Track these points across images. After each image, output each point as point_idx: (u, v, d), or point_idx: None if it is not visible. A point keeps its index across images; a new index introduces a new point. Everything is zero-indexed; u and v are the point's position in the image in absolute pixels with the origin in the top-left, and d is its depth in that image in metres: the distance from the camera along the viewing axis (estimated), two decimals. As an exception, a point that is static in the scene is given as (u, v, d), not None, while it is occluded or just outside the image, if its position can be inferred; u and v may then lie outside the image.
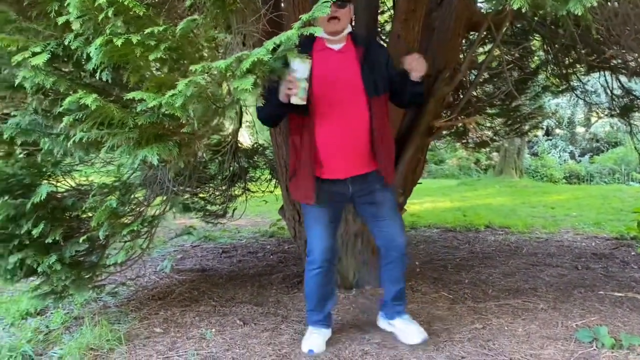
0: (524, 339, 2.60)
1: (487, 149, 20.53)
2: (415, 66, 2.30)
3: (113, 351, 2.53)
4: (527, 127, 6.48)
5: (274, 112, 2.31)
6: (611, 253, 5.03)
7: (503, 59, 4.57)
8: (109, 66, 1.47)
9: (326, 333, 2.57)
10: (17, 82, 1.47)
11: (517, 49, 5.70)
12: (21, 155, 2.34)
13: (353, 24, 2.59)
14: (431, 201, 10.16)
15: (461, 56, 4.03)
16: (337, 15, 2.25)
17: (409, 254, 4.69)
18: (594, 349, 2.44)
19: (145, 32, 1.32)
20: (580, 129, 26.01)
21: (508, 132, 6.43)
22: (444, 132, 6.22)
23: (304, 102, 2.16)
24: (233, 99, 1.57)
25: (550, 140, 24.79)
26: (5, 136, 1.80)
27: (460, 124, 4.05)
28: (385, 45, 2.61)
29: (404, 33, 3.12)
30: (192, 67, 1.34)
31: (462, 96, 5.82)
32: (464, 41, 4.13)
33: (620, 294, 3.43)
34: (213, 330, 2.77)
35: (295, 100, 2.14)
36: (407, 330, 2.54)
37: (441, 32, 3.49)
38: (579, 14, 1.24)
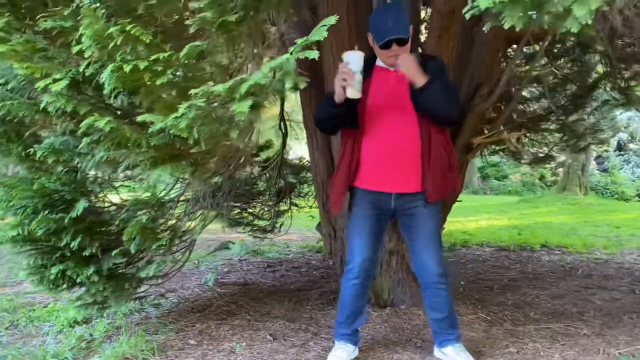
0: (559, 365, 2.49)
1: (552, 165, 19.79)
2: (401, 65, 2.23)
3: (146, 361, 2.63)
4: (584, 144, 6.19)
5: (330, 114, 2.36)
6: (675, 277, 4.72)
7: (555, 73, 4.43)
8: (124, 90, 1.56)
9: (352, 349, 2.56)
10: (41, 106, 1.60)
11: (573, 63, 5.52)
12: (63, 173, 2.49)
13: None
14: (487, 218, 9.89)
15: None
16: (398, 53, 2.28)
17: (453, 279, 4.60)
18: (634, 380, 2.30)
19: (151, 59, 1.41)
20: (657, 144, 24.59)
21: (564, 148, 6.19)
22: (496, 148, 6.08)
23: (360, 95, 2.19)
24: (247, 120, 1.61)
25: (622, 155, 23.57)
26: (38, 155, 1.95)
27: (502, 140, 3.93)
28: (440, 59, 2.54)
29: (439, 50, 3.09)
30: (193, 91, 1.41)
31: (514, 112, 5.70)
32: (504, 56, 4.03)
33: (675, 321, 3.21)
34: (243, 344, 2.82)
35: (351, 93, 2.15)
36: (457, 358, 2.46)
37: (480, 47, 3.43)
38: (575, 30, 1.21)
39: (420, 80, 2.22)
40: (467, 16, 1.37)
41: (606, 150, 24.21)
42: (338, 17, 3.12)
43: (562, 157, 14.88)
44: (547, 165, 20.09)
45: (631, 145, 24.53)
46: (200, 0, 1.45)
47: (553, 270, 5.04)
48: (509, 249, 6.45)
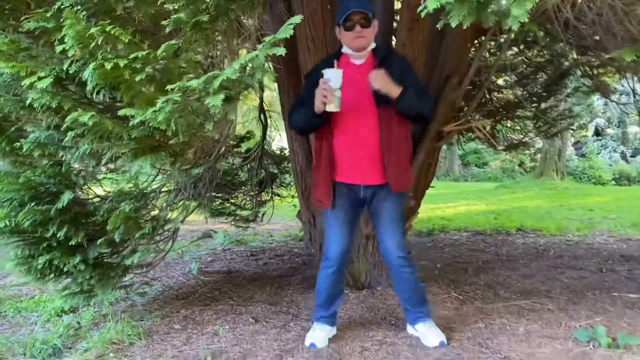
0: (523, 338, 2.66)
1: (531, 151, 20.12)
2: (373, 82, 2.35)
3: (133, 345, 2.74)
4: (556, 129, 6.39)
5: (310, 122, 2.51)
6: (640, 255, 4.94)
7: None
8: (105, 86, 1.66)
9: (329, 330, 2.70)
10: (27, 102, 1.69)
11: (544, 52, 5.68)
12: (48, 165, 2.58)
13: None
14: (466, 204, 10.10)
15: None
16: (362, 35, 2.41)
17: (429, 263, 4.77)
18: (591, 348, 2.47)
19: (131, 57, 1.51)
20: (633, 129, 25.08)
21: (537, 134, 6.38)
22: (472, 136, 6.25)
23: (339, 109, 2.35)
24: (222, 112, 1.73)
25: (600, 140, 24.02)
26: (24, 149, 2.04)
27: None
28: (404, 57, 2.67)
29: (409, 41, 3.23)
30: (170, 86, 1.51)
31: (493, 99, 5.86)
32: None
33: (635, 296, 3.41)
34: (226, 327, 2.95)
35: (330, 108, 2.33)
36: (427, 334, 2.61)
37: (450, 38, 3.57)
38: (515, 28, 1.35)
39: (394, 91, 2.35)
40: (422, 15, 1.50)
41: (584, 136, 24.66)
42: (313, 9, 3.26)
43: (539, 144, 15.18)
44: (525, 152, 20.44)
45: (608, 131, 25.00)
46: (175, 2, 1.56)
47: (526, 252, 5.24)
48: (485, 233, 6.65)
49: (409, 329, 2.75)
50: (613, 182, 18.50)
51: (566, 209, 8.96)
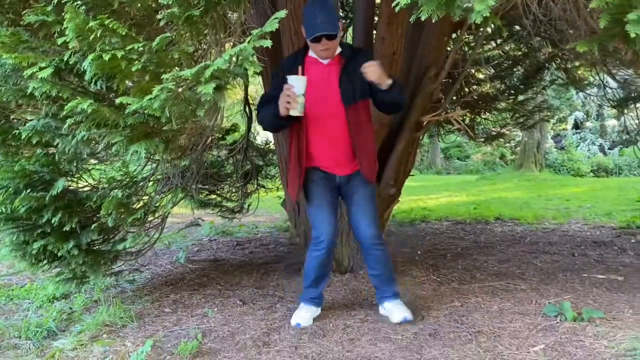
0: (496, 314, 2.83)
1: (512, 144, 20.43)
2: (369, 74, 2.44)
3: (125, 327, 2.86)
4: (533, 121, 6.60)
5: (275, 123, 2.65)
6: (612, 241, 5.15)
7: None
8: (102, 76, 1.78)
9: (315, 311, 2.85)
10: (28, 91, 1.80)
11: (521, 46, 5.87)
12: (42, 154, 2.68)
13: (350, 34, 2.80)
14: (447, 196, 10.31)
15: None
16: (328, 47, 2.51)
17: (410, 250, 4.94)
18: (558, 322, 2.65)
19: (127, 48, 1.63)
20: (611, 122, 25.56)
21: (515, 126, 6.59)
22: (452, 128, 6.43)
23: (302, 114, 2.49)
24: (211, 101, 1.85)
25: (579, 133, 24.46)
26: (23, 136, 2.15)
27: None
28: (369, 50, 2.80)
29: (388, 36, 3.37)
30: (164, 76, 1.63)
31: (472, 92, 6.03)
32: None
33: (602, 276, 3.60)
34: (215, 309, 3.08)
35: (294, 113, 2.46)
36: (393, 310, 2.77)
37: (428, 32, 3.72)
38: (478, 21, 1.49)
39: (387, 82, 2.47)
40: (397, 9, 1.64)
41: (564, 129, 25.11)
42: (297, 3, 3.38)
43: (518, 136, 15.47)
44: (506, 145, 20.80)
45: (587, 124, 25.46)
46: (168, -2, 1.68)
47: (503, 240, 5.43)
48: (465, 223, 6.84)
49: (380, 309, 2.89)
50: (591, 174, 18.92)
51: (544, 199, 9.21)
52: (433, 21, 1.71)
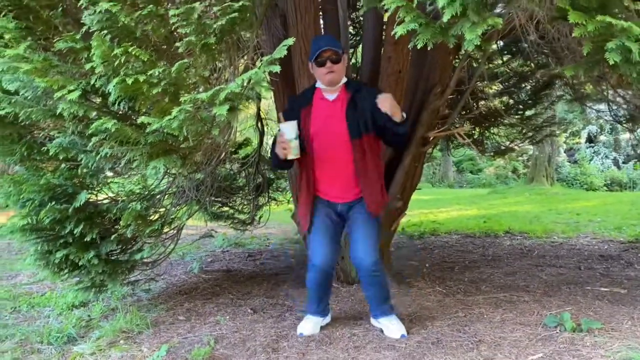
0: (498, 324, 2.92)
1: (525, 157, 20.40)
2: (386, 107, 2.53)
3: (141, 333, 2.99)
4: (541, 136, 6.68)
5: (280, 164, 2.78)
6: (619, 255, 5.21)
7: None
8: (125, 98, 1.93)
9: (319, 320, 2.95)
10: (58, 111, 1.96)
11: (529, 62, 5.98)
12: (66, 169, 2.85)
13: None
14: (458, 209, 10.37)
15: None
16: (333, 70, 2.64)
17: (415, 262, 5.03)
18: (557, 332, 2.74)
19: (149, 73, 1.78)
20: (626, 135, 25.41)
21: (522, 141, 6.68)
22: (463, 142, 6.53)
23: (299, 156, 2.64)
24: (226, 120, 2.00)
25: (592, 147, 24.35)
26: (50, 153, 2.31)
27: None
28: (374, 88, 2.93)
29: (394, 55, 3.51)
30: (182, 98, 1.78)
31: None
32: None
33: (605, 289, 3.68)
34: (227, 317, 3.20)
35: (290, 157, 2.62)
36: (390, 326, 2.83)
37: (433, 51, 3.85)
38: (470, 49, 1.62)
39: (400, 115, 2.57)
40: (396, 37, 1.77)
41: (577, 143, 25.02)
42: (307, 25, 3.54)
43: (530, 150, 15.49)
44: (518, 158, 20.80)
45: (601, 137, 25.35)
46: (186, 27, 1.82)
47: (511, 253, 5.50)
48: (474, 236, 6.91)
49: (373, 321, 2.98)
50: (605, 188, 18.83)
51: (554, 213, 9.24)
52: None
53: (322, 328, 2.93)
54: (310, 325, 2.90)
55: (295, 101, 2.88)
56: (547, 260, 5.02)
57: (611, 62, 1.52)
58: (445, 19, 1.53)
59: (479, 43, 1.56)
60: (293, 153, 2.59)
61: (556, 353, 2.47)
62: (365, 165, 2.71)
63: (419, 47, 1.67)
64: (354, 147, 2.68)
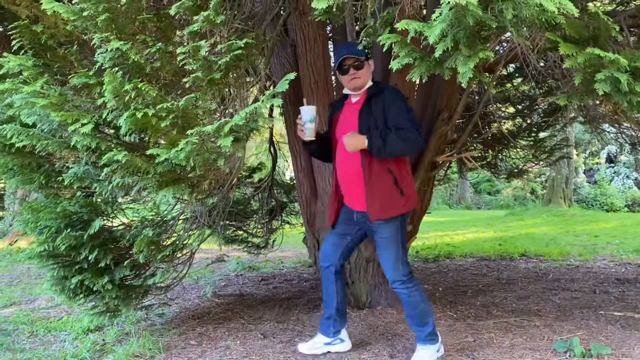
0: (507, 350, 2.91)
1: (543, 179, 20.20)
2: (346, 147, 2.64)
3: (154, 358, 3.04)
4: (554, 158, 6.66)
5: (308, 149, 2.95)
6: (635, 278, 5.15)
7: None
8: (136, 130, 2.02)
9: (319, 339, 2.99)
10: (72, 143, 2.05)
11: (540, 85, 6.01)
12: (81, 196, 2.95)
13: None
14: (474, 231, 10.31)
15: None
16: (357, 76, 2.72)
17: (428, 286, 5.02)
18: (566, 358, 2.72)
19: (157, 107, 1.87)
20: (646, 155, 25.02)
21: (536, 162, 6.67)
22: (472, 165, 6.55)
23: (313, 138, 2.77)
24: (232, 151, 2.07)
25: (612, 167, 24.02)
26: (66, 182, 2.41)
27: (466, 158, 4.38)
28: (392, 88, 2.91)
29: (400, 82, 3.58)
30: (189, 131, 1.86)
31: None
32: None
33: (619, 314, 3.64)
34: (237, 342, 3.24)
35: (306, 138, 2.78)
36: (415, 354, 2.77)
37: (440, 77, 3.90)
38: (464, 82, 1.68)
39: (363, 143, 2.59)
40: (394, 69, 1.84)
41: (597, 163, 24.71)
42: (315, 55, 3.62)
43: (548, 171, 15.37)
44: (536, 179, 20.60)
45: (621, 157, 25.00)
46: (193, 64, 1.92)
47: (526, 276, 5.46)
48: (489, 259, 6.88)
49: None
50: (626, 209, 18.52)
51: (572, 235, 9.13)
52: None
53: (330, 353, 2.95)
54: (309, 344, 2.99)
55: (331, 107, 3.04)
56: (562, 283, 4.98)
57: (601, 93, 1.56)
58: (437, 54, 1.59)
59: (472, 75, 1.62)
60: (307, 134, 2.75)
61: (564, 379, 2.46)
62: (371, 172, 2.69)
63: (414, 80, 1.73)
64: (363, 151, 2.68)
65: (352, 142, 2.61)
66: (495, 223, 12.10)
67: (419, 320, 2.79)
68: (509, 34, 2.18)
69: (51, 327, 3.87)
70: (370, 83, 2.81)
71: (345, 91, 2.87)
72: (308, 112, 2.73)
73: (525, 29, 1.63)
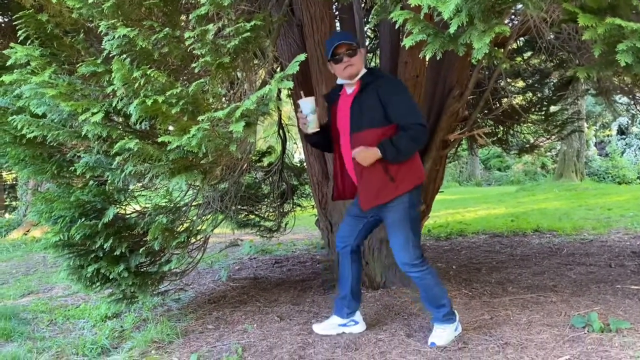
0: (524, 326, 2.90)
1: (553, 153, 20.05)
2: (359, 161, 2.62)
3: (172, 343, 3.07)
4: (566, 132, 6.57)
5: (310, 140, 2.95)
6: (651, 250, 5.10)
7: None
8: (146, 118, 2.00)
9: (335, 321, 3.01)
10: (83, 133, 2.04)
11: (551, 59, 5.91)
12: (94, 185, 2.95)
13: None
14: (486, 208, 10.27)
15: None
16: (351, 63, 2.67)
17: (442, 264, 5.02)
18: (585, 333, 2.71)
19: (167, 94, 1.84)
20: (659, 125, 24.72)
21: (548, 137, 6.58)
22: (487, 140, 6.49)
23: (316, 129, 2.77)
24: (243, 136, 2.05)
25: (624, 139, 23.76)
26: (78, 172, 2.40)
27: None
28: (389, 76, 2.89)
29: (411, 60, 3.52)
30: (200, 117, 1.84)
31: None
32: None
33: (636, 287, 3.61)
34: (254, 325, 3.26)
35: (308, 130, 2.78)
36: (431, 333, 2.78)
37: (450, 54, 3.84)
38: (479, 58, 1.64)
39: (377, 155, 2.58)
40: (407, 47, 1.80)
41: (608, 135, 24.45)
42: (323, 34, 3.58)
43: (559, 145, 15.23)
44: (547, 154, 20.44)
45: (633, 129, 24.71)
46: (202, 48, 1.89)
47: (540, 252, 5.44)
48: (502, 235, 6.85)
49: None
50: (638, 180, 18.37)
51: (584, 209, 9.07)
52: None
53: (347, 334, 2.96)
54: (323, 325, 3.02)
55: (326, 98, 3.00)
56: (577, 258, 4.95)
57: (622, 64, 1.52)
58: (452, 30, 1.55)
59: (488, 51, 1.58)
60: (311, 127, 2.74)
61: (584, 354, 2.45)
62: (362, 166, 2.66)
63: (428, 57, 1.69)
64: (353, 140, 2.68)
65: (366, 157, 2.60)
66: (506, 199, 12.04)
67: (434, 302, 2.79)
68: (520, 5, 2.14)
69: (69, 315, 3.91)
70: (364, 70, 2.75)
71: (339, 81, 2.82)
72: (307, 105, 2.71)
73: (541, 0, 1.58)
